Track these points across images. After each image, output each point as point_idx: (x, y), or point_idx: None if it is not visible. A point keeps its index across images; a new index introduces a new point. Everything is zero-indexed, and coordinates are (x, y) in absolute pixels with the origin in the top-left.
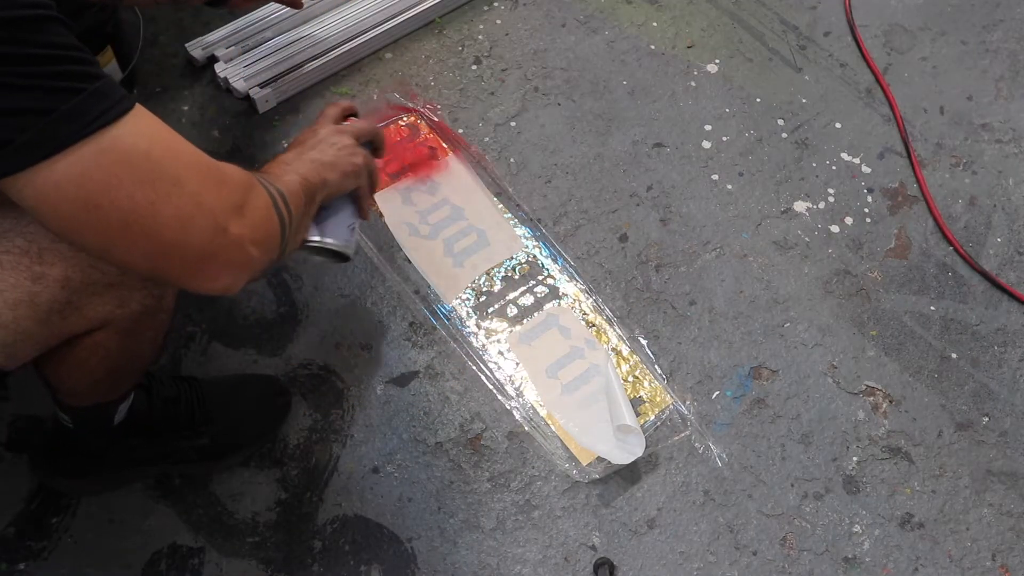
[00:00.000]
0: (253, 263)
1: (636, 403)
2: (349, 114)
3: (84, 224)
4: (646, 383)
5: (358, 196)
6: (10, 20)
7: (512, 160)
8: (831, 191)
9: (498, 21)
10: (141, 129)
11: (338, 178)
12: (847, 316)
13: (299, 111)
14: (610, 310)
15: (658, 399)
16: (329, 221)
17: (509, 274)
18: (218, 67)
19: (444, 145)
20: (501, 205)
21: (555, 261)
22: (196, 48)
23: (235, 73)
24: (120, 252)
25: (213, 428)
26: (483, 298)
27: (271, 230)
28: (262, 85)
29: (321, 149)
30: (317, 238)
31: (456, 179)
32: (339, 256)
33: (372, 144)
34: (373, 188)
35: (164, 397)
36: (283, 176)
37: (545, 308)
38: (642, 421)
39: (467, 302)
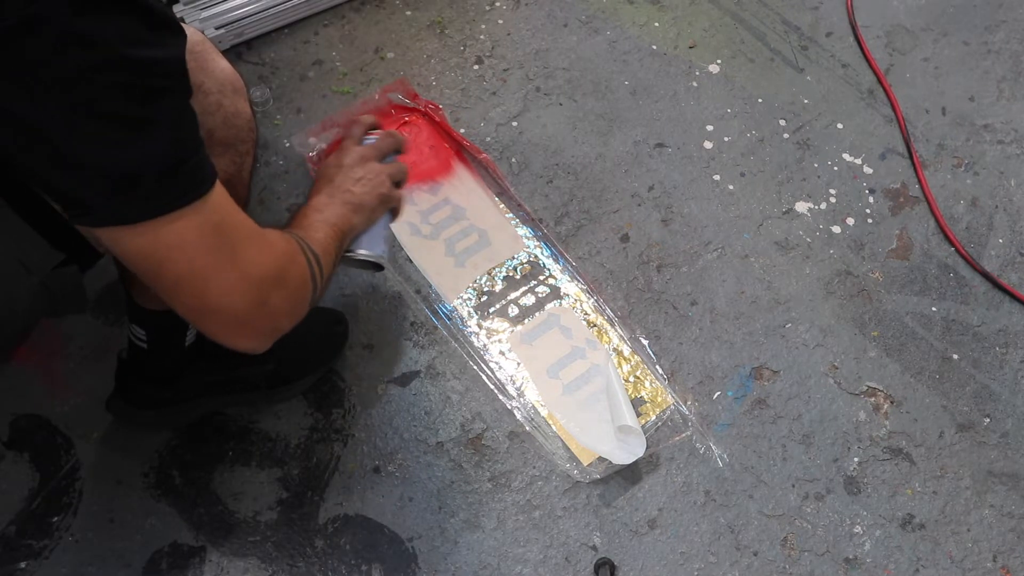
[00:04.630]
0: (282, 331)
1: (637, 403)
2: (371, 128)
3: (142, 270)
4: (647, 383)
5: (392, 208)
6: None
7: (514, 160)
8: (833, 192)
9: (500, 21)
10: (215, 204)
11: (367, 216)
12: (848, 317)
13: (300, 111)
14: (611, 310)
15: (659, 399)
16: (365, 234)
17: (510, 274)
18: (176, 8)
19: (446, 145)
20: (503, 205)
21: (556, 261)
22: None
23: (191, 15)
24: (167, 298)
25: (278, 353)
26: (484, 298)
27: (304, 297)
28: (219, 27)
29: (348, 189)
30: (352, 249)
31: (458, 179)
32: (374, 265)
33: (397, 152)
34: (402, 194)
35: None
36: (315, 233)
37: (546, 308)
38: (643, 421)
39: (468, 302)
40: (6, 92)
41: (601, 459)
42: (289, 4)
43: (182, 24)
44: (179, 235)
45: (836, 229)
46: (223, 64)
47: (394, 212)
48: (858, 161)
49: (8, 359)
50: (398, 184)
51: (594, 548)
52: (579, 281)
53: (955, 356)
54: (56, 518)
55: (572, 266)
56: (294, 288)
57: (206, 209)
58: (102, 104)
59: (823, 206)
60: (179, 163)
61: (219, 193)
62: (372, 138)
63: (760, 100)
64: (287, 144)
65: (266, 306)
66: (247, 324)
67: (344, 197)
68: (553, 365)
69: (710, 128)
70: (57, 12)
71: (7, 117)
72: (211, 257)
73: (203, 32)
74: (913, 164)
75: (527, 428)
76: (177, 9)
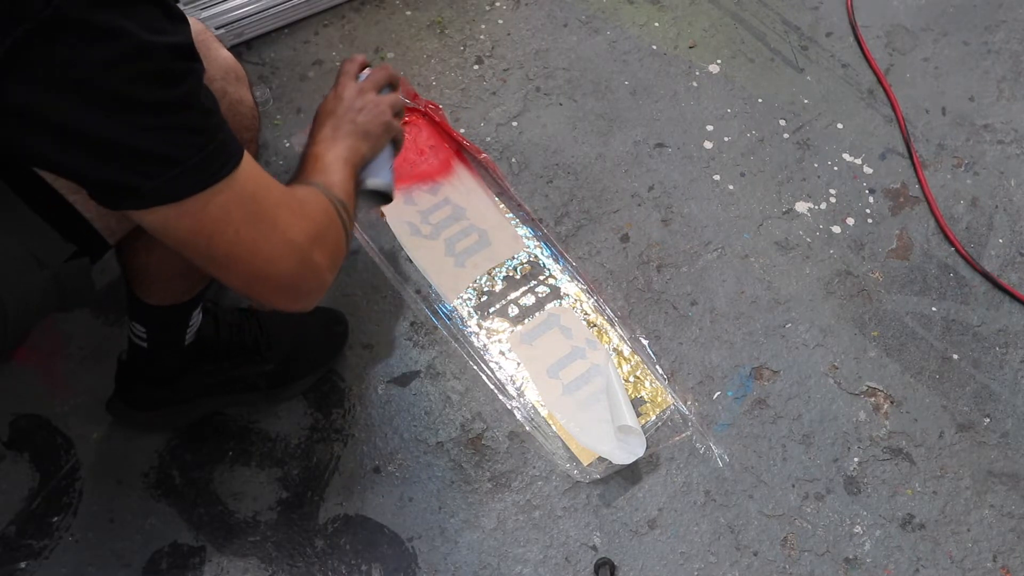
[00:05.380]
0: (328, 285)
1: (637, 403)
2: (363, 67)
3: (193, 249)
4: (647, 383)
5: (394, 138)
6: (162, 71)
7: (514, 160)
8: (833, 192)
9: (500, 21)
10: (248, 174)
11: (373, 144)
12: (848, 317)
13: (300, 111)
14: (611, 310)
15: (659, 399)
16: (372, 164)
17: (510, 274)
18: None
19: (446, 145)
20: (503, 205)
21: (556, 261)
22: None
23: (191, 15)
24: (221, 274)
25: (277, 353)
26: (484, 298)
27: (341, 248)
28: (219, 27)
29: (352, 119)
30: (361, 180)
31: (458, 179)
32: (382, 197)
33: (391, 86)
34: (401, 122)
35: (229, 323)
36: (333, 175)
37: (546, 308)
38: (643, 421)
39: (468, 302)
40: (40, 99)
41: (601, 459)
42: (289, 4)
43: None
44: (223, 207)
45: (836, 229)
46: (224, 53)
47: (396, 144)
48: (858, 161)
49: (8, 358)
50: (397, 115)
51: (594, 548)
52: (579, 281)
53: (955, 356)
54: (56, 518)
55: (572, 266)
56: (332, 241)
57: (242, 180)
58: (134, 92)
59: (823, 206)
60: (212, 138)
61: (249, 163)
62: (365, 74)
63: (760, 100)
64: (287, 144)
65: (310, 265)
66: (296, 286)
67: (349, 128)
68: (553, 365)
69: (710, 128)
70: (78, 9)
71: (42, 125)
72: (254, 226)
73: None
74: (913, 164)
75: (527, 428)
76: None
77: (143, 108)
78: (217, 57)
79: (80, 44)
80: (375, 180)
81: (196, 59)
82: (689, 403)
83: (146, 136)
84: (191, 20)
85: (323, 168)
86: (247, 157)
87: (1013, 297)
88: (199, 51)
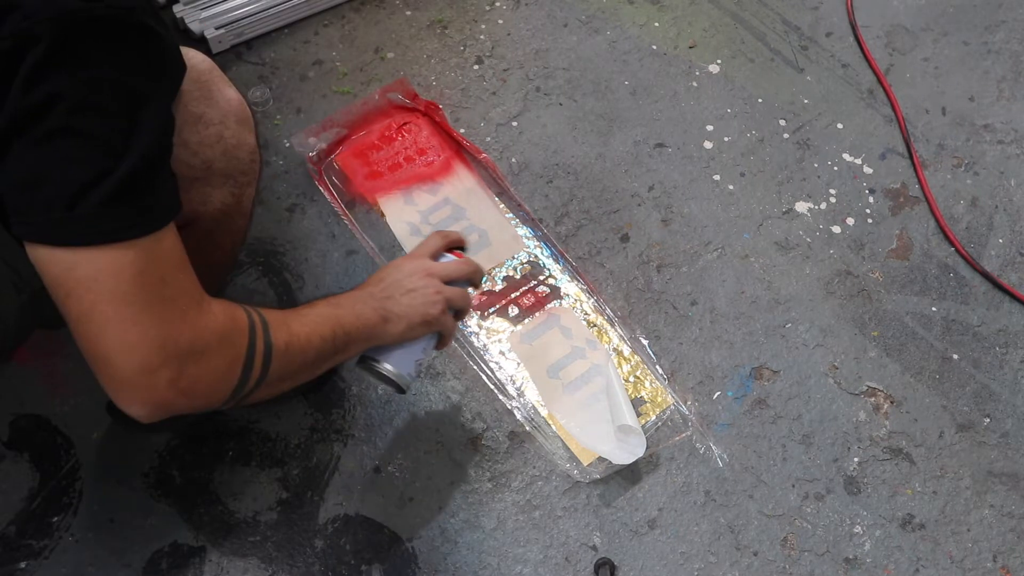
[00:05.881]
0: (173, 409)
1: (637, 403)
2: (455, 247)
3: (52, 295)
4: (647, 383)
5: (439, 334)
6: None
7: (514, 160)
8: (833, 192)
9: (500, 21)
10: (157, 249)
11: (403, 330)
12: (848, 317)
13: (300, 111)
14: (611, 310)
15: (659, 399)
16: (399, 348)
17: (510, 274)
18: (176, 8)
19: (446, 145)
20: (503, 205)
21: (556, 261)
22: None
23: (191, 15)
24: (70, 328)
25: None
26: (484, 298)
27: (219, 385)
28: (218, 27)
29: (391, 296)
30: (377, 359)
31: (458, 179)
32: (394, 385)
33: (470, 282)
34: (456, 325)
35: None
36: (301, 325)
37: (546, 308)
38: (643, 421)
39: None
40: None
41: (601, 459)
42: (289, 4)
43: (189, 50)
44: (94, 271)
45: (836, 229)
46: (230, 94)
47: (441, 341)
48: (858, 161)
49: (8, 359)
50: (457, 314)
51: (594, 548)
52: (579, 281)
53: (955, 356)
54: (56, 518)
55: (572, 266)
56: (208, 368)
57: (139, 251)
58: (72, 122)
59: (823, 206)
60: (129, 195)
61: (165, 241)
62: (450, 257)
63: (760, 100)
64: (287, 144)
65: (157, 376)
66: (131, 387)
67: (381, 303)
68: (553, 365)
69: (710, 128)
70: (48, 32)
71: None
72: (117, 306)
73: (207, 37)
74: (913, 164)
75: (527, 428)
76: (177, 9)
77: (71, 138)
78: (220, 99)
79: (39, 65)
80: (388, 367)
81: (157, 111)
82: (689, 403)
83: (58, 166)
84: (198, 57)
85: (303, 313)
86: (166, 235)
87: (1013, 297)
88: (202, 91)
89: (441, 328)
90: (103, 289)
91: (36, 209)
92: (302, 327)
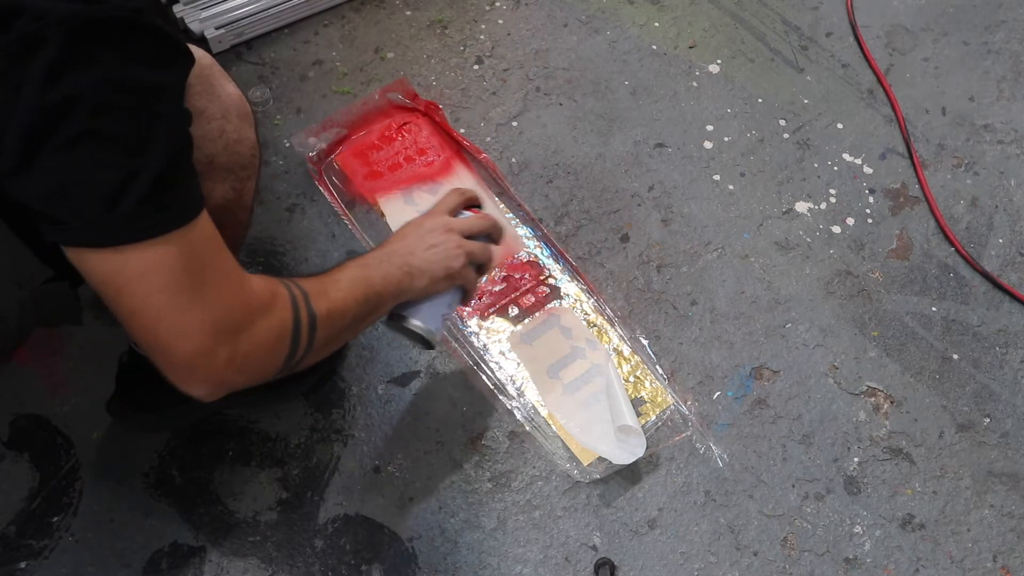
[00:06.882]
0: (233, 386)
1: (637, 403)
2: (472, 204)
3: (103, 295)
4: (647, 383)
5: (463, 288)
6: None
7: (514, 160)
8: (833, 192)
9: (500, 21)
10: (197, 236)
11: (427, 284)
12: (848, 317)
13: (300, 111)
14: (611, 310)
15: (659, 399)
16: (426, 303)
17: (511, 274)
18: (176, 8)
19: (446, 145)
20: (502, 205)
21: (556, 261)
22: None
23: (191, 15)
24: (120, 321)
25: None
26: (484, 298)
27: (271, 357)
28: (218, 27)
29: (414, 251)
30: (404, 315)
31: (458, 179)
32: (422, 340)
33: (489, 237)
34: (481, 277)
35: None
36: (336, 290)
37: (546, 308)
38: (643, 421)
39: None
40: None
41: (601, 459)
42: (289, 4)
43: (190, 47)
44: (142, 267)
45: (836, 229)
46: (230, 89)
47: (465, 295)
48: (858, 161)
49: (8, 359)
50: (479, 268)
51: (594, 548)
52: (579, 281)
53: (955, 356)
54: (56, 518)
55: (572, 266)
56: (259, 343)
57: (180, 242)
58: (94, 125)
59: (823, 206)
60: (161, 190)
61: (201, 227)
62: (468, 213)
63: (760, 100)
64: (287, 144)
65: (215, 356)
66: (192, 370)
67: (405, 259)
68: (553, 365)
69: (710, 128)
70: (57, 34)
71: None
72: (168, 296)
73: (207, 37)
74: (913, 164)
75: (527, 428)
76: (177, 9)
77: (99, 142)
78: (222, 94)
79: (52, 68)
80: (416, 322)
81: (177, 101)
82: (689, 403)
83: (92, 171)
84: (199, 53)
85: (335, 279)
86: (202, 220)
87: (1013, 297)
88: (203, 86)
89: (463, 281)
90: (153, 283)
91: (73, 214)
92: (338, 292)
